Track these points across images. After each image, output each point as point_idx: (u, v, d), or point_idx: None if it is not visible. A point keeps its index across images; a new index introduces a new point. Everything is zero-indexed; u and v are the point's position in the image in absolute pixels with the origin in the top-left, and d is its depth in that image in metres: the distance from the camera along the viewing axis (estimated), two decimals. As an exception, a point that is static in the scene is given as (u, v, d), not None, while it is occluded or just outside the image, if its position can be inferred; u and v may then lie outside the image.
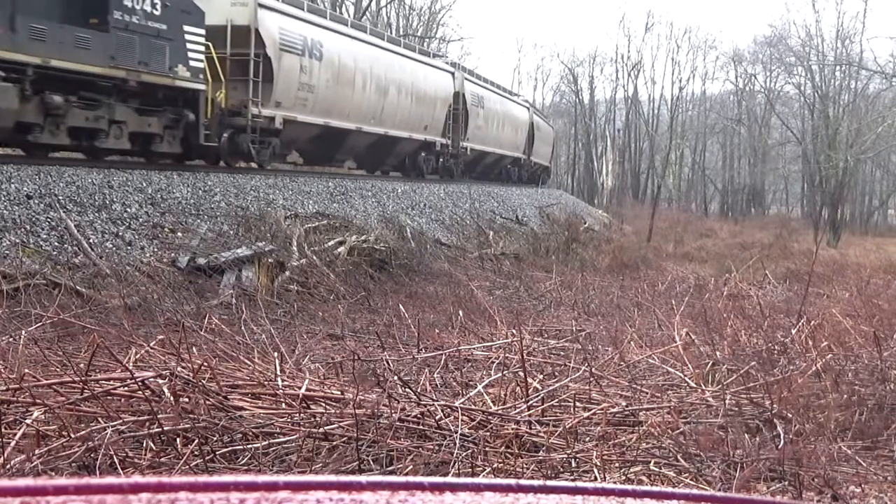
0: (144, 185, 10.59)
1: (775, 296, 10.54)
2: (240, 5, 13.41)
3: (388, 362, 5.26)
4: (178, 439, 3.62)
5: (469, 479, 0.67)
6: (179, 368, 4.07)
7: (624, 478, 3.63)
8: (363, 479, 0.61)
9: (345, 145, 17.42)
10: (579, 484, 0.68)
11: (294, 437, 3.71)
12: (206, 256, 9.53)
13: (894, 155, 44.77)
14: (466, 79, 23.09)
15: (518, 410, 4.21)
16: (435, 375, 5.15)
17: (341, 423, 3.76)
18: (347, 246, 11.57)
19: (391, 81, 18.11)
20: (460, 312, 7.75)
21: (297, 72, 14.65)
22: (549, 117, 42.93)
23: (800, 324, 6.68)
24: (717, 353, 5.77)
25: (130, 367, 3.94)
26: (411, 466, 3.51)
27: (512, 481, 0.64)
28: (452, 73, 22.08)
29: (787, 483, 3.71)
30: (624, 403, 4.54)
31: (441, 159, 21.38)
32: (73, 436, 3.39)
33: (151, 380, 3.89)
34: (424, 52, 22.52)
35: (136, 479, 0.58)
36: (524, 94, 33.28)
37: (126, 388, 3.87)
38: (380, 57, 17.89)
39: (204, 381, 3.96)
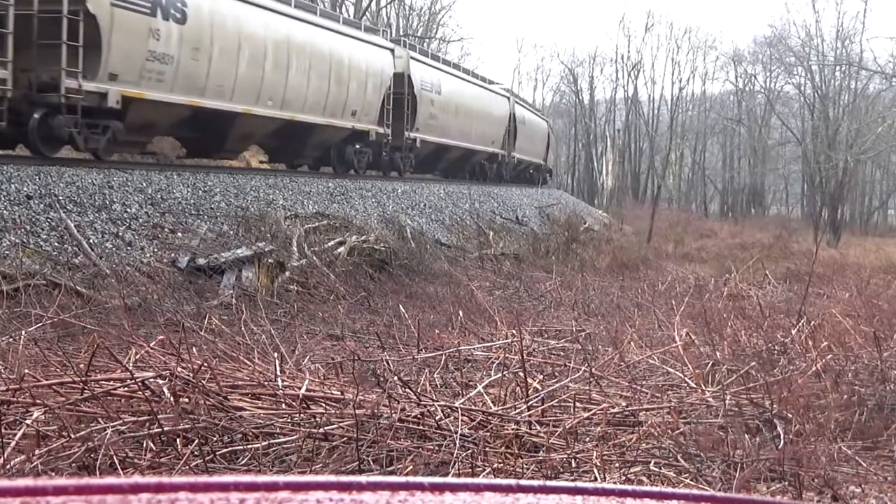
0: (144, 185, 10.59)
1: (775, 296, 10.54)
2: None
3: (388, 363, 5.26)
4: (178, 439, 3.62)
5: (469, 479, 0.67)
6: (179, 369, 4.07)
7: (624, 478, 3.63)
8: (363, 479, 0.61)
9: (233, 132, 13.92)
10: (579, 484, 0.68)
11: (294, 437, 3.72)
12: (206, 257, 9.53)
13: (894, 155, 44.75)
14: (414, 59, 19.37)
15: (518, 411, 4.21)
16: (435, 376, 5.15)
17: (341, 424, 3.76)
18: (347, 246, 11.57)
19: (295, 54, 14.30)
20: (460, 313, 7.74)
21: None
22: (543, 111, 42.14)
23: (800, 324, 6.67)
24: (717, 353, 5.77)
25: (130, 368, 3.94)
26: (411, 467, 3.51)
27: (512, 481, 0.64)
28: (392, 50, 18.10)
29: (787, 483, 3.71)
30: (624, 404, 4.54)
31: (383, 152, 18.27)
32: (73, 436, 3.39)
33: (151, 380, 3.89)
34: (352, 22, 18.59)
35: (136, 479, 0.58)
36: (504, 83, 29.51)
37: (126, 389, 3.87)
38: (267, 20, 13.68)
39: (204, 382, 3.96)
